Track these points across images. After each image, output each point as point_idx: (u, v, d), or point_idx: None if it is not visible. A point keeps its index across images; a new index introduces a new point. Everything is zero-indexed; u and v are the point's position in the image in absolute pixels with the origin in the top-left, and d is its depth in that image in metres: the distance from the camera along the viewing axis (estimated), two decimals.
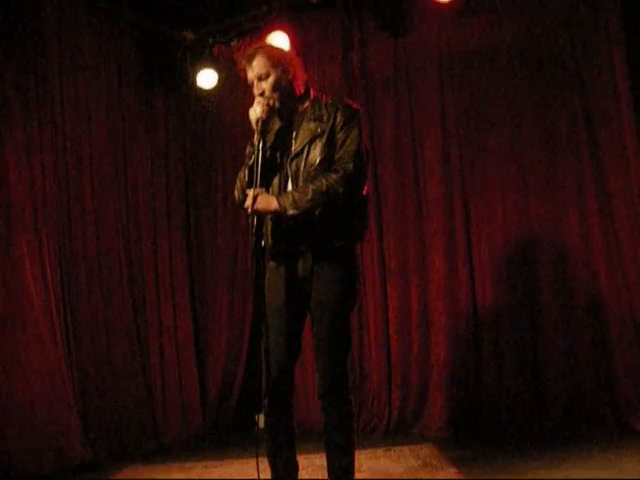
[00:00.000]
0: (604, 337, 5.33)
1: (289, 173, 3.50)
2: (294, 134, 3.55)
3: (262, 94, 3.54)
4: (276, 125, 3.63)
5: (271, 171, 3.54)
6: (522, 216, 5.67)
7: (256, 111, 3.50)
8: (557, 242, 5.54)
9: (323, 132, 3.46)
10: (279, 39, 6.00)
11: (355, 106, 3.59)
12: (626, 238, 5.29)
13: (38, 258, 5.51)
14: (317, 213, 3.39)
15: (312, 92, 3.67)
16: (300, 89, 3.62)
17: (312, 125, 3.49)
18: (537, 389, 5.46)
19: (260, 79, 3.55)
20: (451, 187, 5.91)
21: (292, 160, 3.50)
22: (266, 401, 3.46)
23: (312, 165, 3.45)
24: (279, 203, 3.40)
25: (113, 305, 6.14)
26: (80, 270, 5.92)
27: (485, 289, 5.75)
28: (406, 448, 5.23)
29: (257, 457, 3.37)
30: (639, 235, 5.25)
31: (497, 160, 5.78)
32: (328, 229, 3.45)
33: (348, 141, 3.44)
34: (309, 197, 3.37)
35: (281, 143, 3.57)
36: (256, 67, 3.55)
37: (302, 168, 3.47)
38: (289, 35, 6.10)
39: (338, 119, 3.47)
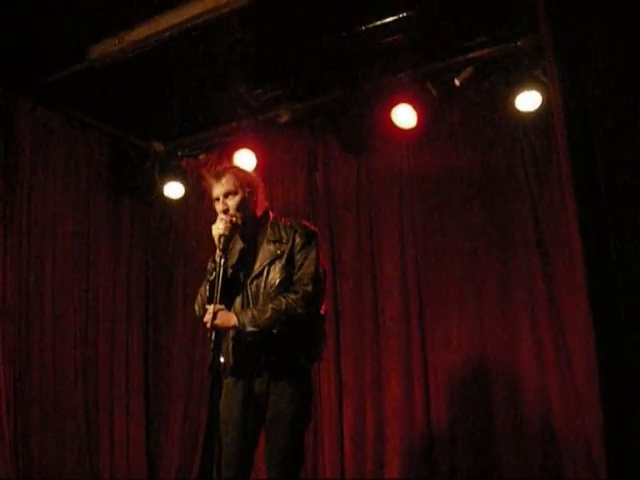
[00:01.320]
0: (557, 457, 5.30)
1: (249, 293, 3.59)
2: (255, 255, 3.65)
3: (226, 211, 3.66)
4: (238, 245, 3.73)
5: (234, 290, 3.62)
6: (477, 338, 5.73)
7: (219, 228, 3.60)
8: (511, 364, 5.59)
9: (282, 253, 3.58)
10: (246, 157, 6.19)
11: (313, 228, 3.73)
12: (579, 360, 5.29)
13: None
14: (275, 331, 3.46)
15: (271, 215, 3.79)
16: (259, 212, 3.74)
17: (272, 247, 3.62)
18: None
19: (226, 196, 3.68)
20: (408, 306, 5.99)
21: (252, 281, 3.60)
22: None
23: (272, 286, 3.55)
24: (238, 320, 3.48)
25: (65, 413, 6.04)
26: (34, 374, 5.86)
27: (440, 409, 5.75)
28: None
29: None
30: (592, 356, 5.28)
31: (454, 283, 5.88)
32: (286, 348, 3.53)
33: (306, 262, 3.56)
34: (268, 315, 3.45)
35: (244, 263, 3.67)
36: (225, 184, 3.69)
37: (262, 289, 3.57)
38: (256, 152, 6.30)
39: (297, 241, 3.60)
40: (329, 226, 6.38)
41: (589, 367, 5.12)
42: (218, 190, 3.71)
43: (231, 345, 3.56)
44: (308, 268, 3.57)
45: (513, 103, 5.53)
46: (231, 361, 3.57)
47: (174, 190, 6.80)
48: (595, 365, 5.02)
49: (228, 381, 3.63)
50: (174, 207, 7.07)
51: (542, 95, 5.41)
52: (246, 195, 3.71)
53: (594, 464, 5.08)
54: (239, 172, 3.87)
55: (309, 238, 3.65)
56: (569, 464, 5.26)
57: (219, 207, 3.70)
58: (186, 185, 6.77)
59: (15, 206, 5.95)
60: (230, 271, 3.65)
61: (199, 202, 6.67)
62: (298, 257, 3.59)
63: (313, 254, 3.60)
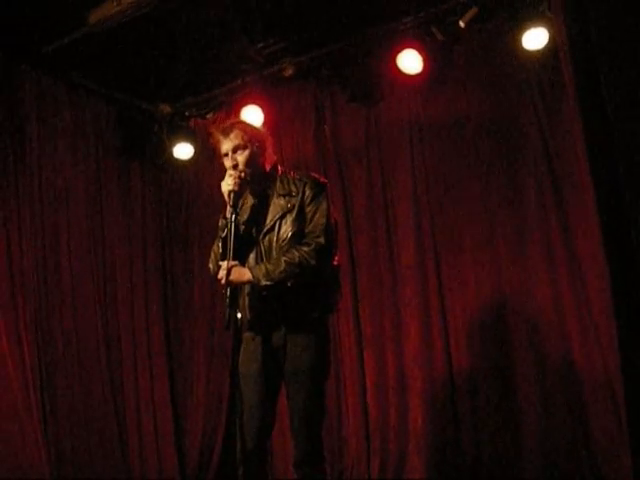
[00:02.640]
0: (579, 398, 5.32)
1: (262, 249, 3.59)
2: (266, 210, 3.64)
3: (235, 167, 3.64)
4: (249, 201, 3.72)
5: (247, 246, 3.62)
6: (494, 281, 5.73)
7: (228, 184, 3.59)
8: (529, 306, 5.59)
9: (293, 207, 3.57)
10: (253, 113, 6.15)
11: (322, 180, 3.72)
12: (597, 300, 5.25)
13: (14, 332, 5.54)
14: (289, 284, 3.47)
15: (280, 169, 3.78)
16: (268, 167, 3.72)
17: (282, 201, 3.61)
18: (515, 452, 5.45)
19: (235, 151, 3.66)
20: (424, 254, 5.98)
21: (265, 235, 3.61)
22: (241, 471, 3.49)
23: (284, 240, 3.55)
24: (252, 274, 3.49)
25: (90, 378, 6.12)
26: (57, 343, 5.92)
27: (460, 354, 5.78)
28: None
29: None
30: (610, 297, 5.24)
31: (468, 227, 5.86)
32: (302, 301, 3.55)
33: (317, 214, 3.55)
34: (281, 269, 3.46)
35: (255, 219, 3.66)
36: (234, 139, 3.67)
37: (274, 243, 3.57)
38: (263, 107, 6.25)
39: (307, 193, 3.59)
40: (340, 178, 6.36)
41: (607, 307, 5.12)
42: (226, 146, 3.69)
43: (247, 300, 3.58)
44: (319, 220, 3.56)
45: (520, 42, 5.44)
46: (248, 316, 3.59)
47: (184, 151, 6.79)
48: (612, 305, 5.03)
49: (246, 337, 3.65)
50: (185, 168, 7.06)
51: (549, 32, 5.32)
52: (255, 150, 3.69)
53: (617, 405, 5.09)
54: (247, 127, 3.84)
55: (319, 190, 3.63)
56: (592, 406, 5.27)
57: (228, 163, 3.68)
58: (195, 145, 6.76)
59: (26, 178, 5.96)
60: (242, 227, 3.64)
61: (210, 161, 6.65)
62: (309, 209, 3.58)
63: (324, 205, 3.59)
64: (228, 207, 3.56)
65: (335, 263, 3.67)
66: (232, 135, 3.68)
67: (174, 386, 6.92)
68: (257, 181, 3.69)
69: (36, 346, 5.73)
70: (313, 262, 3.47)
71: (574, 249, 5.44)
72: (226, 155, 3.70)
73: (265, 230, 3.61)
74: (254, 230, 3.66)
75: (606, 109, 4.17)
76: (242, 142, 3.67)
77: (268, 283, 3.46)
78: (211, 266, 3.73)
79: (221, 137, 3.71)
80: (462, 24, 5.60)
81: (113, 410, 6.25)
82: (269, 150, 3.78)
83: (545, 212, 5.58)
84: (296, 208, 3.57)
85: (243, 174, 3.62)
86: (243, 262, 3.57)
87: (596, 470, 5.15)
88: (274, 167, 3.77)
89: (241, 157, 3.66)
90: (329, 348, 3.66)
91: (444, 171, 6.02)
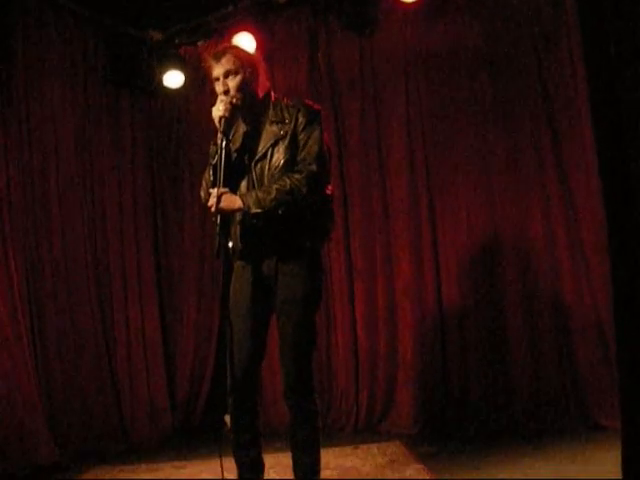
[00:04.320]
0: (568, 335, 5.36)
1: (254, 176, 3.53)
2: (259, 137, 3.56)
3: (226, 92, 3.56)
4: (242, 128, 3.65)
5: (239, 174, 3.55)
6: (487, 216, 5.70)
7: (219, 109, 3.51)
8: (522, 242, 5.59)
9: (285, 134, 3.49)
10: (245, 40, 6.02)
11: (316, 107, 3.63)
12: (590, 239, 5.28)
13: (3, 261, 5.47)
14: (280, 212, 3.42)
15: (273, 95, 3.69)
16: (261, 93, 3.63)
17: (274, 128, 3.53)
18: (502, 386, 5.50)
19: (226, 76, 3.57)
20: (417, 187, 5.94)
21: (256, 163, 3.54)
22: (231, 400, 3.49)
23: (276, 167, 3.48)
24: (243, 202, 3.44)
25: (80, 307, 6.09)
26: (46, 272, 5.87)
27: (451, 288, 5.78)
28: (374, 446, 5.25)
29: (220, 456, 3.42)
30: (603, 236, 5.22)
31: (462, 160, 5.80)
32: (294, 229, 3.50)
33: (310, 142, 3.48)
34: (272, 196, 3.40)
35: (248, 146, 3.59)
36: (225, 63, 3.57)
37: (266, 171, 3.50)
38: (255, 35, 6.12)
39: (299, 120, 3.51)
40: (334, 107, 6.26)
41: (600, 245, 5.14)
42: (218, 70, 3.59)
43: (238, 229, 3.53)
44: (312, 147, 3.48)
45: None
46: (239, 245, 3.54)
47: (174, 79, 6.67)
48: (606, 243, 5.02)
49: (237, 265, 3.63)
50: (175, 96, 6.93)
51: None
52: (247, 75, 3.59)
53: (605, 343, 5.15)
54: (240, 52, 3.74)
55: (312, 117, 3.55)
56: (580, 343, 5.32)
57: (219, 88, 3.59)
58: (186, 73, 6.64)
59: (12, 107, 5.81)
60: (234, 155, 3.58)
61: (200, 89, 6.53)
62: (301, 137, 3.50)
63: (317, 133, 3.51)
64: (219, 133, 3.49)
65: (328, 192, 3.61)
66: (224, 60, 3.58)
67: (164, 315, 6.93)
68: (249, 107, 3.60)
69: (25, 275, 5.68)
70: (305, 190, 3.41)
71: (569, 186, 5.43)
72: (217, 80, 3.61)
73: (257, 158, 3.53)
74: (246, 158, 3.59)
75: (609, 41, 4.08)
76: (234, 67, 3.57)
77: (259, 211, 3.40)
78: (202, 194, 3.67)
79: (213, 62, 3.61)
80: None
81: (103, 339, 6.25)
82: (262, 76, 3.69)
83: (541, 148, 5.54)
84: (289, 135, 3.49)
85: (234, 99, 3.54)
86: (235, 190, 3.51)
87: (584, 411, 5.22)
88: (267, 93, 3.68)
89: (232, 82, 3.57)
90: (321, 277, 3.62)
91: (439, 103, 5.93)
